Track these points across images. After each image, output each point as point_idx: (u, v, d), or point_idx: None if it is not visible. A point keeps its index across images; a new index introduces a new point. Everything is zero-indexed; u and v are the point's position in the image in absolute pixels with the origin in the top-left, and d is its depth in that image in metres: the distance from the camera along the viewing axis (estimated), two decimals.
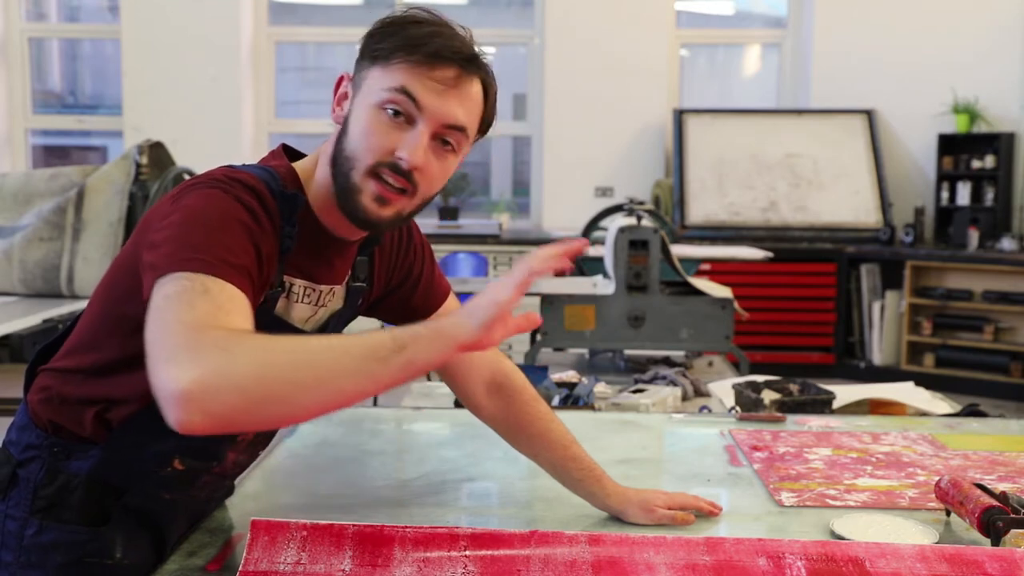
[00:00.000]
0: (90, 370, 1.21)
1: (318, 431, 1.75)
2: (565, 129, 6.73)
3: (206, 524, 1.29)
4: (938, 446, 1.69)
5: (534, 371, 2.28)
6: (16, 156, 6.97)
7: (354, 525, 1.12)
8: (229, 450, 1.27)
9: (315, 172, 1.22)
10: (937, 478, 1.35)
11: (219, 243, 1.04)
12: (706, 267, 5.37)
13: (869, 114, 6.57)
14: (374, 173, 1.15)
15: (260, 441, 1.33)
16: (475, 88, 1.18)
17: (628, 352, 3.02)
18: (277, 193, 1.16)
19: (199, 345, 0.92)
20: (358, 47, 1.20)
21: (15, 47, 6.90)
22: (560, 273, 1.05)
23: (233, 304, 1.00)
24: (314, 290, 1.24)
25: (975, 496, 1.22)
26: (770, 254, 4.77)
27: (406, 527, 1.13)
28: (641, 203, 3.51)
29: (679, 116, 6.65)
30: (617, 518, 1.32)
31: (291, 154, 1.27)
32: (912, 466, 1.57)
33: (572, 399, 2.14)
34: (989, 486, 1.25)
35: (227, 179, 1.13)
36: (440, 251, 6.11)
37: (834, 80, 6.63)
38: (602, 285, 3.12)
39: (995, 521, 1.17)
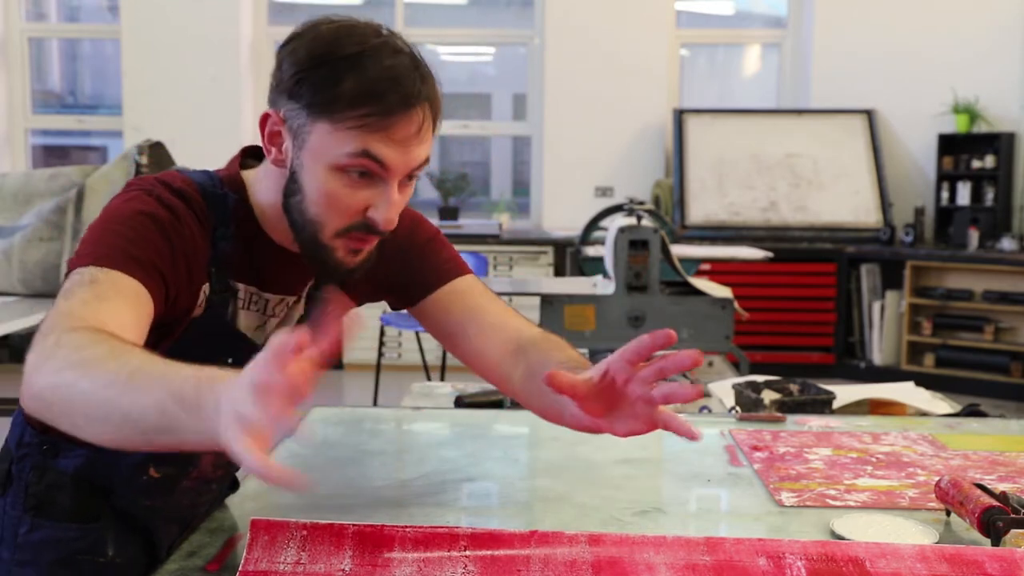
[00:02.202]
0: None
1: (318, 431, 1.74)
2: (565, 129, 6.73)
3: (206, 524, 1.29)
4: (938, 446, 1.69)
5: None
6: (16, 156, 6.97)
7: (354, 525, 1.12)
8: (204, 453, 1.26)
9: (259, 187, 1.17)
10: (937, 478, 1.35)
11: (120, 237, 1.05)
12: (706, 267, 5.37)
13: (869, 114, 6.57)
14: (345, 235, 1.11)
15: None
16: (431, 115, 1.09)
17: None
18: (209, 194, 1.14)
19: (40, 341, 0.93)
20: (276, 76, 1.10)
21: (15, 47, 6.90)
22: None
23: (116, 291, 0.99)
24: (260, 297, 1.20)
25: (975, 496, 1.22)
26: (770, 254, 4.77)
27: (406, 527, 1.13)
28: (641, 203, 3.51)
29: (679, 116, 6.65)
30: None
31: (257, 153, 1.23)
32: (912, 466, 1.57)
33: None
34: (989, 486, 1.25)
35: (153, 182, 1.12)
36: None
37: (834, 80, 6.63)
38: (602, 285, 3.12)
39: (995, 521, 1.16)
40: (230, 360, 1.18)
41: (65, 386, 0.87)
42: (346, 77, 1.04)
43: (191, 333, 1.15)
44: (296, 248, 1.17)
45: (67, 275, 1.03)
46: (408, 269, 1.35)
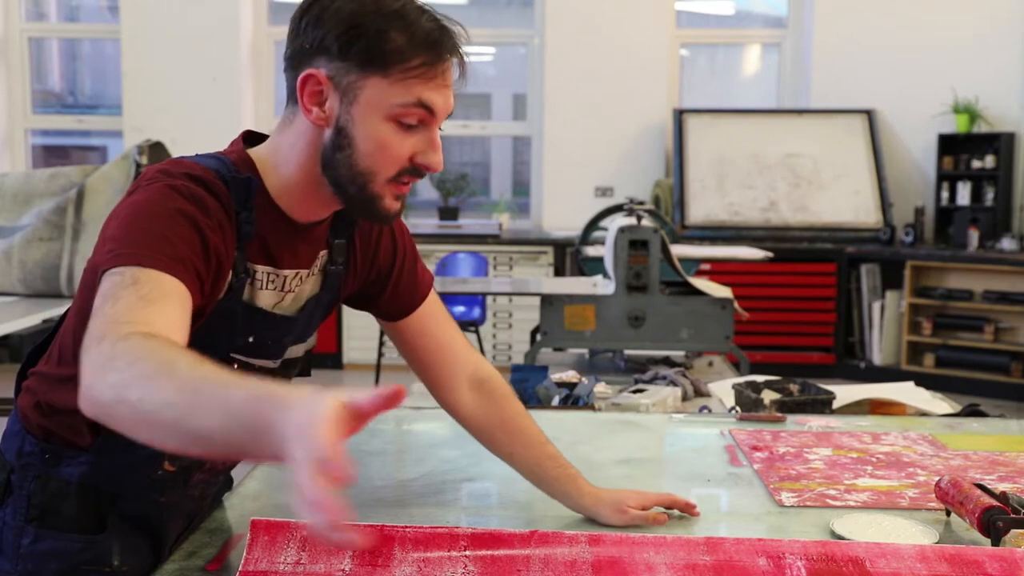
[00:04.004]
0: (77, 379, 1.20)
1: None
2: (565, 129, 6.72)
3: (206, 524, 1.29)
4: (938, 446, 1.69)
5: (534, 371, 2.28)
6: (16, 156, 6.97)
7: (354, 525, 1.12)
8: None
9: (276, 160, 1.19)
10: (937, 478, 1.35)
11: (156, 235, 1.05)
12: (706, 267, 5.37)
13: (869, 114, 6.57)
14: (395, 181, 1.16)
15: None
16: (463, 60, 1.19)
17: (628, 352, 3.02)
18: (229, 179, 1.14)
19: (93, 347, 0.93)
20: (305, 38, 1.14)
21: (15, 47, 6.90)
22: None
23: (161, 293, 1.00)
24: (277, 275, 1.22)
25: (975, 496, 1.22)
26: (770, 254, 4.76)
27: (406, 527, 1.13)
28: (641, 203, 3.50)
29: (679, 116, 6.64)
30: (596, 521, 1.31)
31: (255, 138, 1.25)
32: (912, 466, 1.57)
33: (572, 399, 2.14)
34: (989, 486, 1.25)
35: (174, 172, 1.12)
36: (440, 251, 6.11)
37: (834, 80, 6.62)
38: (602, 285, 3.12)
39: (995, 521, 1.17)
40: (251, 338, 1.20)
41: (128, 404, 0.88)
42: (395, 33, 1.11)
43: (213, 315, 1.15)
44: (303, 215, 1.20)
45: (104, 270, 1.02)
46: (397, 271, 1.37)
